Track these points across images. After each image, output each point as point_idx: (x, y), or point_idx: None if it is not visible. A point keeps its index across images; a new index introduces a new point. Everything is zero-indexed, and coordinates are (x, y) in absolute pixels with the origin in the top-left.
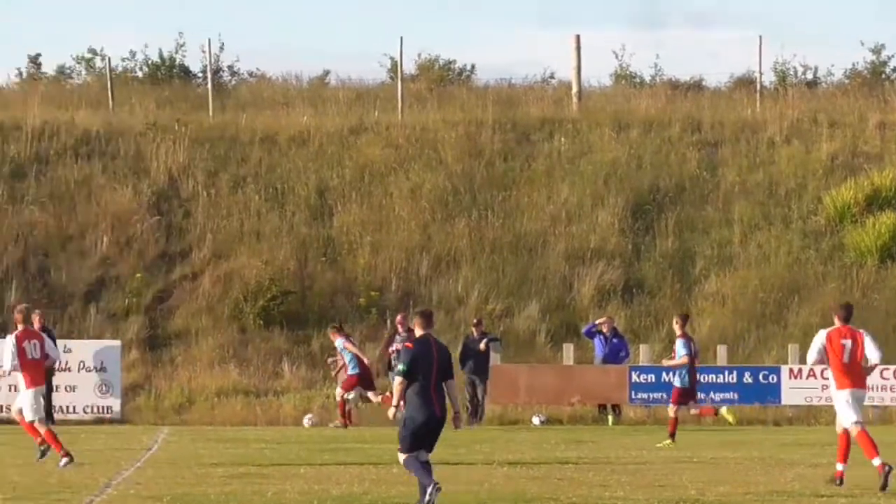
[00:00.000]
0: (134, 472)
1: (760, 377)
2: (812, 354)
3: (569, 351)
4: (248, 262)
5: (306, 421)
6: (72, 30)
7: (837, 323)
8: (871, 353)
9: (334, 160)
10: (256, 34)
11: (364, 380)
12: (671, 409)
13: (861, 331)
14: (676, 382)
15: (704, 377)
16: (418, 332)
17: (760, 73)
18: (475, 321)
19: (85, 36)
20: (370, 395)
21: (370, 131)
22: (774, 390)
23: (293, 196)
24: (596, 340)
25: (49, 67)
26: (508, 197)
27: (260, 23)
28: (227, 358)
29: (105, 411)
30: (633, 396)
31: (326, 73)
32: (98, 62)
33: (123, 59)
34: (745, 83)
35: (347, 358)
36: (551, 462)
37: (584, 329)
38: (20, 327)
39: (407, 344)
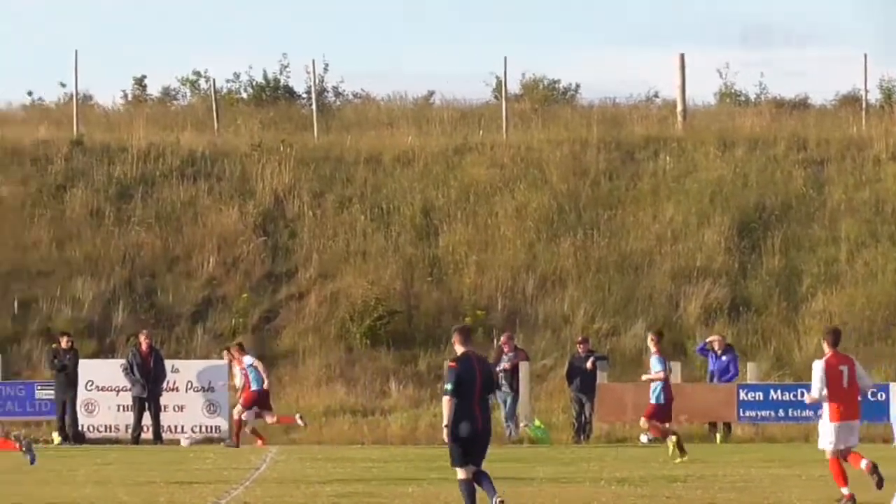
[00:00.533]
0: (242, 491)
1: (868, 395)
2: (818, 387)
3: (676, 369)
4: (355, 281)
5: (184, 441)
6: (176, 52)
7: (827, 349)
8: (863, 380)
9: (439, 180)
10: (361, 56)
11: (263, 400)
12: (643, 423)
13: (851, 356)
14: (652, 399)
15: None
16: (459, 350)
17: (866, 91)
18: (580, 339)
19: (189, 58)
20: (266, 416)
21: (475, 151)
22: (882, 408)
23: (398, 216)
24: (709, 358)
25: (154, 89)
26: (614, 216)
27: (364, 44)
28: (333, 377)
29: (213, 431)
30: (742, 414)
31: (431, 93)
32: (203, 84)
33: (228, 81)
34: (851, 101)
35: (252, 375)
36: (659, 480)
37: (697, 347)
38: None
39: (451, 363)
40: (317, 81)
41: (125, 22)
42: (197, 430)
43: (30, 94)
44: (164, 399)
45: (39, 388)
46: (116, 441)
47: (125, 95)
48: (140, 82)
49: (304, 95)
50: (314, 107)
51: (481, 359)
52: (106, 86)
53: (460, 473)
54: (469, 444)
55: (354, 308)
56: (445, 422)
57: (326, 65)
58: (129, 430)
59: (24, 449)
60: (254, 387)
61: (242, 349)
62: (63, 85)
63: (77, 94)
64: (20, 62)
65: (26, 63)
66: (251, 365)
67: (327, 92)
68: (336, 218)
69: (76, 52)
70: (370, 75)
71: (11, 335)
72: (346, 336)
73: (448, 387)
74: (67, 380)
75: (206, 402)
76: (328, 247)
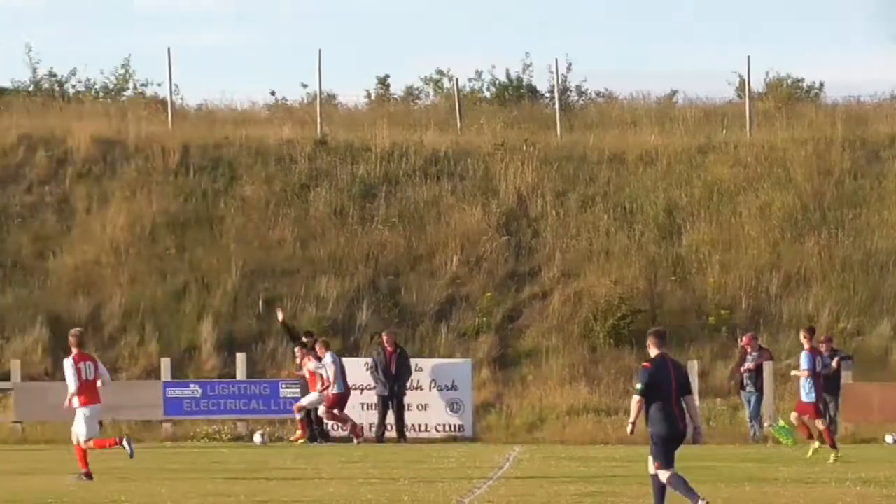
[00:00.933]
0: (486, 490)
1: None
2: None
3: None
4: (598, 281)
5: (257, 438)
6: (420, 51)
7: None
8: None
9: (682, 179)
10: (604, 55)
11: (343, 401)
12: (819, 423)
13: None
14: (804, 397)
15: None
16: (653, 352)
17: None
18: (824, 339)
19: (433, 57)
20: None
21: (718, 150)
22: None
23: (642, 215)
24: None
25: (397, 89)
26: (859, 215)
27: (607, 43)
28: (577, 377)
29: (456, 429)
30: None
31: (674, 92)
32: (446, 83)
33: (470, 80)
34: None
35: (332, 375)
36: None
37: None
38: (74, 351)
39: (644, 364)
40: (560, 81)
41: (368, 22)
42: (440, 428)
43: (273, 93)
44: (408, 398)
45: (284, 386)
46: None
47: (368, 95)
48: (383, 82)
49: (547, 94)
50: (557, 106)
51: (675, 362)
52: (349, 85)
53: (653, 468)
54: (673, 444)
55: (598, 307)
56: (631, 419)
57: (570, 64)
58: (374, 429)
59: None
60: (335, 389)
61: (327, 346)
62: (304, 85)
63: (321, 93)
64: (264, 62)
65: (270, 63)
66: (332, 364)
67: (570, 91)
68: (579, 217)
69: (319, 51)
70: (613, 74)
71: (256, 334)
72: (589, 335)
73: (638, 386)
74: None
75: (449, 401)
76: (571, 246)
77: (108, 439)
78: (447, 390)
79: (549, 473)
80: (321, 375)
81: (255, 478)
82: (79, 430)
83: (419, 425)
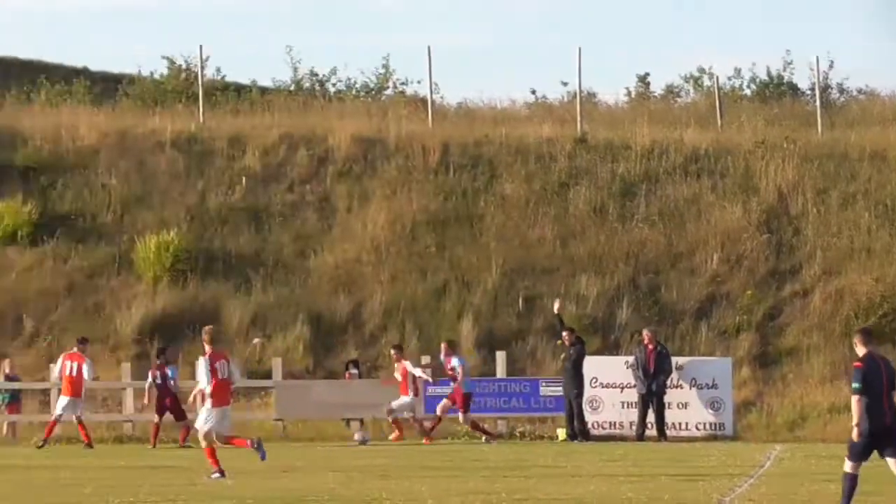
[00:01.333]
0: (747, 488)
1: None
2: None
3: None
4: (859, 279)
5: (357, 436)
6: (681, 50)
7: None
8: None
9: None
10: (866, 53)
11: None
12: None
13: None
14: None
15: None
16: (861, 351)
17: None
18: None
19: (694, 55)
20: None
21: None
22: None
23: None
24: None
25: (657, 86)
26: None
27: (869, 41)
28: (838, 375)
29: (717, 428)
30: None
31: None
32: (706, 81)
33: (730, 78)
34: None
35: (460, 375)
36: None
37: None
38: (209, 349)
39: (856, 364)
40: (821, 78)
41: (629, 20)
42: (701, 426)
43: (533, 92)
44: (669, 396)
45: (544, 384)
46: (621, 438)
47: (628, 93)
48: (643, 80)
49: (808, 92)
50: (818, 103)
51: (884, 358)
52: (609, 83)
53: (848, 467)
54: (878, 439)
55: (859, 305)
56: (855, 420)
57: (831, 62)
58: (634, 427)
59: (254, 446)
60: (465, 389)
61: (454, 347)
62: (564, 84)
63: (581, 91)
64: (525, 60)
65: (530, 61)
66: (458, 366)
67: (831, 88)
68: (840, 215)
69: (580, 49)
70: (875, 72)
71: (516, 332)
72: (850, 333)
73: (856, 385)
74: (573, 375)
75: (709, 399)
76: (832, 244)
77: (215, 459)
78: (707, 388)
79: (810, 471)
80: (413, 378)
81: (515, 476)
82: (200, 424)
83: (679, 423)
